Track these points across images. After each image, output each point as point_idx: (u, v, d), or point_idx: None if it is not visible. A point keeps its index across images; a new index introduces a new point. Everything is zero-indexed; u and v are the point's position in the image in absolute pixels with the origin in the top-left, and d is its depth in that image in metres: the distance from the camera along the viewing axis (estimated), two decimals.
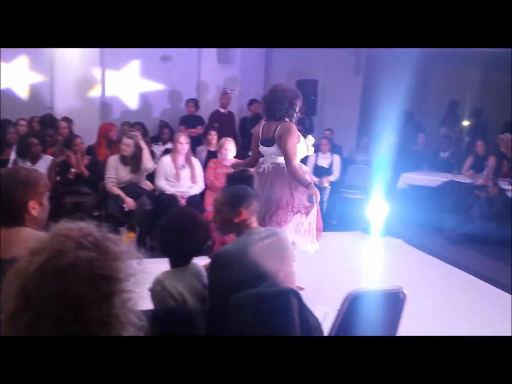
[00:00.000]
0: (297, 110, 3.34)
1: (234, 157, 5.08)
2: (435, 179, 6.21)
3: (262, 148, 3.37)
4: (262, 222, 3.11)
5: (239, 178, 2.32)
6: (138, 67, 6.99)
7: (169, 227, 2.01)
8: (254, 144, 3.52)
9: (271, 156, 3.34)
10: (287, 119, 3.28)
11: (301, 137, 3.34)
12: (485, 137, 6.71)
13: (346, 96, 7.86)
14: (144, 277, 1.04)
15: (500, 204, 5.46)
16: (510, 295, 3.97)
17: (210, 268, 2.04)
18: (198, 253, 2.07)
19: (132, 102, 7.10)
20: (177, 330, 1.77)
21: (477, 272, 4.51)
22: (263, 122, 3.45)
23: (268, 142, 3.30)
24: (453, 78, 7.70)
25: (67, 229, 0.98)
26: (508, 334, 3.27)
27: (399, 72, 6.96)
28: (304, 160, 3.76)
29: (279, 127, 3.24)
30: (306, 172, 3.50)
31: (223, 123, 6.46)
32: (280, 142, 3.19)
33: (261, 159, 3.46)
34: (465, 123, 7.64)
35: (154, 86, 7.09)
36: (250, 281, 1.96)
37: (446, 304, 3.83)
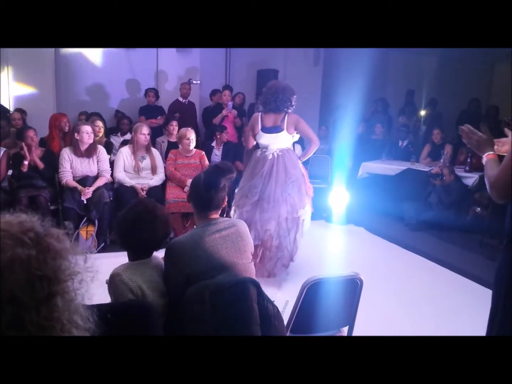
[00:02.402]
0: (293, 103, 3.92)
1: (195, 147, 5.03)
2: (394, 167, 6.34)
3: (266, 136, 3.89)
4: (278, 200, 3.76)
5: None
6: (96, 55, 6.78)
7: (127, 220, 1.95)
8: (250, 134, 4.03)
9: (275, 142, 3.90)
10: (287, 110, 3.88)
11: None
12: (441, 125, 6.88)
13: (306, 86, 7.87)
14: (91, 275, 0.98)
15: (456, 191, 5.63)
16: (467, 279, 4.11)
17: (165, 260, 2.01)
18: (158, 247, 2.02)
19: (89, 92, 6.89)
20: (134, 324, 1.73)
21: (435, 258, 4.65)
22: (258, 114, 3.99)
23: (276, 129, 3.88)
24: (411, 68, 7.86)
25: (7, 223, 0.90)
26: (464, 315, 3.38)
27: (358, 62, 7.04)
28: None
29: (287, 116, 3.88)
30: None
31: (183, 113, 6.36)
32: (292, 128, 3.89)
33: (261, 147, 3.97)
34: (422, 112, 7.81)
35: (112, 76, 6.89)
36: (207, 273, 1.93)
37: (405, 289, 3.93)
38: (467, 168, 5.75)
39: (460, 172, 5.75)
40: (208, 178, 2.08)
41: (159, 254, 2.10)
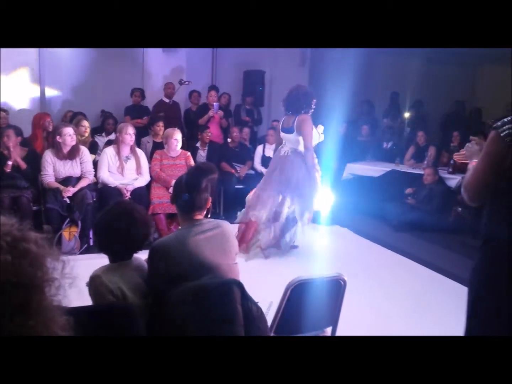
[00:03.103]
0: (312, 106, 4.31)
1: (181, 148, 5.01)
2: (379, 168, 6.39)
3: (283, 135, 4.40)
4: (281, 197, 4.30)
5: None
6: (81, 54, 6.71)
7: (104, 222, 1.94)
8: (277, 132, 4.71)
9: (289, 142, 4.34)
10: (303, 112, 4.25)
11: (313, 127, 4.30)
12: (425, 127, 6.96)
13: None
14: (69, 281, 0.95)
15: (439, 193, 5.70)
16: (450, 279, 4.16)
17: (148, 261, 2.00)
18: (138, 248, 2.00)
19: (74, 92, 6.82)
20: (115, 326, 1.71)
21: (419, 258, 4.69)
22: (284, 115, 4.47)
23: (288, 130, 4.31)
24: (395, 70, 7.92)
25: None
26: (447, 314, 3.42)
27: (344, 63, 7.08)
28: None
29: (296, 118, 4.25)
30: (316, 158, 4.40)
31: (167, 114, 6.31)
32: (299, 129, 4.21)
33: (281, 144, 4.47)
34: (407, 114, 7.89)
35: (97, 75, 6.82)
36: (191, 274, 1.92)
37: (389, 289, 3.96)
38: (450, 169, 5.82)
39: (443, 173, 5.82)
40: (189, 179, 2.07)
41: (143, 255, 2.09)
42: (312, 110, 4.32)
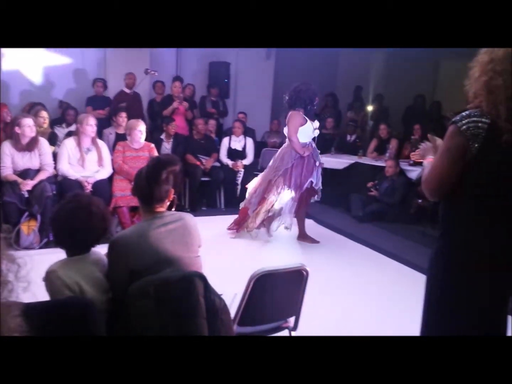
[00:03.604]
0: (307, 103, 4.62)
1: (144, 140, 4.92)
2: (343, 161, 6.47)
3: (284, 128, 4.81)
4: (269, 184, 4.70)
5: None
6: None
7: (60, 216, 1.88)
8: None
9: (286, 135, 4.72)
10: (297, 109, 4.57)
11: (308, 121, 4.59)
12: (387, 121, 7.08)
13: (258, 79, 7.90)
14: (23, 285, 0.90)
15: (401, 185, 5.83)
16: (411, 269, 4.27)
17: (108, 254, 1.96)
18: (95, 243, 1.95)
19: (34, 82, 6.57)
20: (73, 321, 1.67)
21: (381, 248, 4.80)
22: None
23: (285, 124, 4.75)
24: (359, 64, 8.02)
25: None
26: (408, 304, 3.51)
27: (309, 56, 7.12)
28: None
29: (289, 114, 4.62)
30: (309, 147, 4.65)
31: (129, 105, 6.17)
32: (287, 123, 4.63)
33: None
34: (370, 107, 8.01)
35: (57, 65, 6.60)
36: (152, 268, 1.89)
37: (352, 279, 4.03)
38: (411, 162, 5.96)
39: (404, 166, 5.95)
40: (149, 171, 2.03)
41: (103, 249, 2.04)
42: (310, 107, 4.65)
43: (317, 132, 4.73)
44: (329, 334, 1.87)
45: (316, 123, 4.76)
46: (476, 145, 1.64)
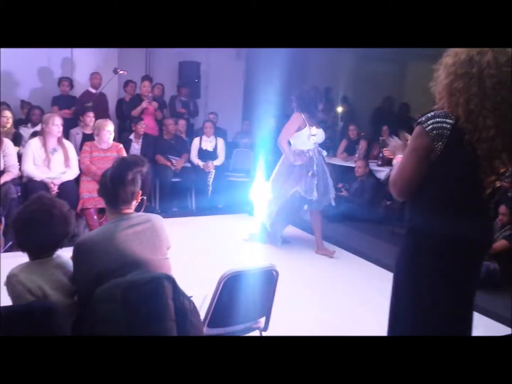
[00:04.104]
0: (313, 106, 4.49)
1: (113, 140, 4.84)
2: None
3: None
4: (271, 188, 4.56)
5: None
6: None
7: (21, 219, 1.83)
8: None
9: None
10: (298, 111, 4.47)
11: (307, 126, 4.41)
12: (356, 122, 7.18)
13: (229, 80, 7.88)
14: None
15: (370, 185, 5.91)
16: (380, 268, 4.34)
17: (73, 257, 1.91)
18: (58, 246, 1.91)
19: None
20: (36, 326, 1.62)
21: (351, 248, 4.86)
22: None
23: None
24: (329, 65, 8.11)
25: None
26: (377, 302, 3.55)
27: (279, 57, 7.13)
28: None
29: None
30: (302, 157, 4.44)
31: (94, 105, 6.03)
32: None
33: None
34: (340, 108, 8.10)
35: (22, 63, 6.41)
36: (118, 270, 1.86)
37: (323, 278, 4.06)
38: (379, 162, 6.06)
39: (373, 166, 6.05)
40: (113, 172, 2.00)
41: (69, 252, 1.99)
42: (313, 112, 4.50)
43: (313, 139, 4.46)
44: (299, 334, 1.87)
45: (315, 130, 4.50)
46: (441, 145, 1.68)
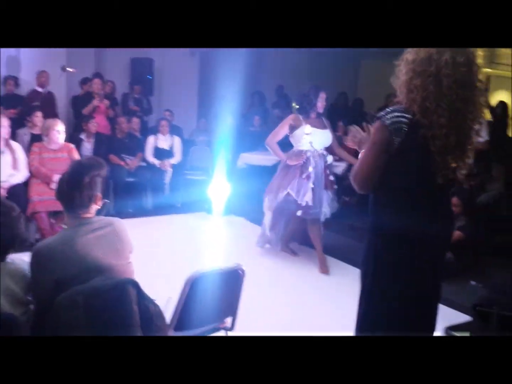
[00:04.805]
0: (308, 105, 4.19)
1: (64, 141, 4.64)
2: (271, 158, 6.50)
3: None
4: None
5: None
6: None
7: None
8: None
9: None
10: (296, 112, 4.31)
11: (303, 126, 4.11)
12: None
13: (183, 77, 7.76)
14: None
15: None
16: (341, 262, 4.39)
17: (31, 265, 1.82)
18: (4, 253, 1.81)
19: None
20: None
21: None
22: None
23: None
24: (284, 62, 8.14)
25: None
26: (341, 296, 3.60)
27: (234, 54, 7.08)
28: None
29: None
30: (299, 157, 4.15)
31: (42, 104, 5.78)
32: None
33: None
34: (295, 105, 8.15)
35: None
36: (79, 277, 1.79)
37: (285, 274, 4.07)
38: (336, 158, 6.13)
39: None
40: (70, 176, 1.92)
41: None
42: (308, 110, 4.18)
43: (306, 138, 4.10)
44: (265, 333, 1.85)
45: (310, 129, 4.11)
46: (399, 139, 1.72)
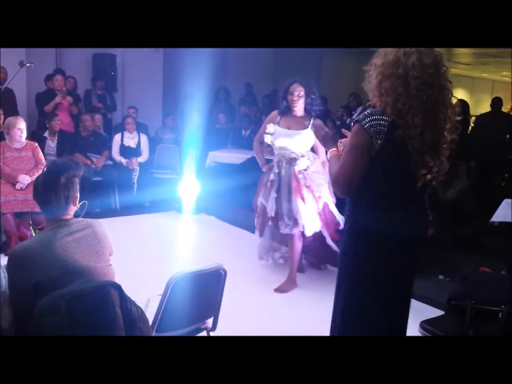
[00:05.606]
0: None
1: (26, 138, 4.47)
2: (240, 156, 6.51)
3: None
4: None
5: None
6: None
7: None
8: None
9: None
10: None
11: (274, 123, 3.70)
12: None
13: (147, 73, 7.63)
14: None
15: None
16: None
17: (7, 269, 1.76)
18: None
19: None
20: None
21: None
22: None
23: None
24: (248, 58, 8.13)
25: None
26: (321, 294, 3.63)
27: (198, 50, 7.02)
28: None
29: None
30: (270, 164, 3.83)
31: (1, 101, 5.51)
32: None
33: None
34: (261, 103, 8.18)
35: None
36: (59, 280, 1.74)
37: (259, 272, 4.08)
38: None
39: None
40: (44, 177, 1.87)
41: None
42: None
43: (266, 138, 3.73)
44: (247, 334, 1.86)
45: (272, 127, 3.71)
46: (379, 141, 1.74)
